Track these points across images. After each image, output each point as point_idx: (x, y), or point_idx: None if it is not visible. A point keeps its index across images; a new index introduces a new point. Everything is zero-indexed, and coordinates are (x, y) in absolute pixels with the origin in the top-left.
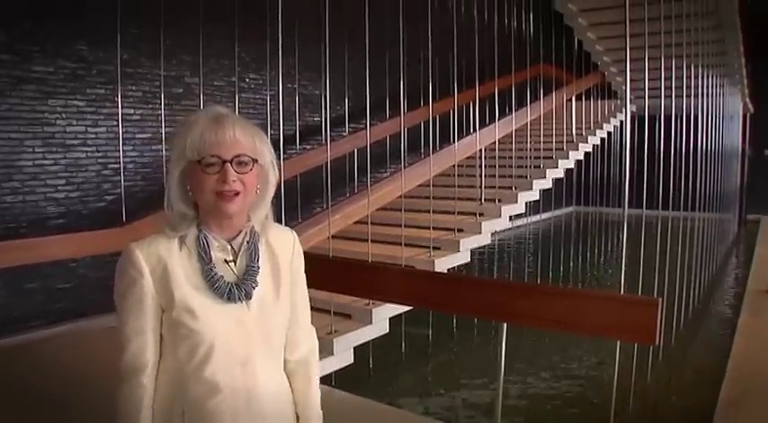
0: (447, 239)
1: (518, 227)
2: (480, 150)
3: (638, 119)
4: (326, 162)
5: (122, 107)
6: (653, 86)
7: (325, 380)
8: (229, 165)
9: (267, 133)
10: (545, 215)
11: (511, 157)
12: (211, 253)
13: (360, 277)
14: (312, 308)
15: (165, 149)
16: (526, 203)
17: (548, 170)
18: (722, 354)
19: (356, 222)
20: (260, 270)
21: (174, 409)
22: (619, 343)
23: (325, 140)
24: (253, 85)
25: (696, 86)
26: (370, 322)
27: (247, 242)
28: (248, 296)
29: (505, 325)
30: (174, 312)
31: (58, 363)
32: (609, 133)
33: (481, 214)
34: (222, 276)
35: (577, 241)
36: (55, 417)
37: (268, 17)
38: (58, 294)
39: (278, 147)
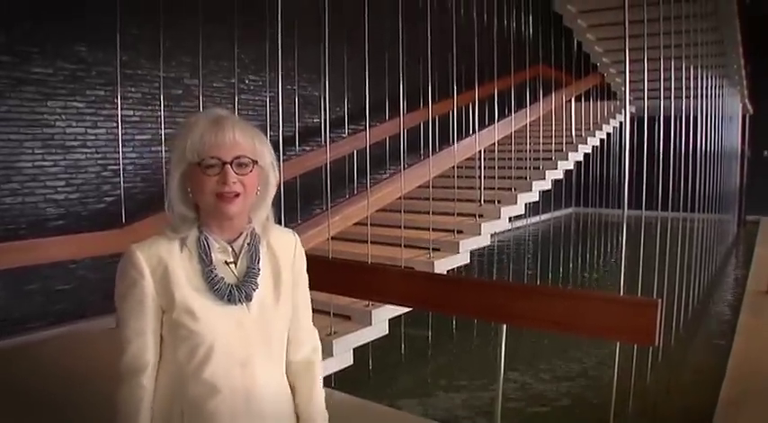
0: (446, 241)
1: (517, 228)
2: (480, 152)
3: (637, 120)
4: (326, 163)
5: (122, 109)
6: (652, 87)
7: (324, 381)
8: (229, 166)
9: (267, 135)
10: (544, 216)
11: (510, 159)
12: (212, 254)
13: (359, 279)
14: (312, 309)
15: (165, 151)
16: (526, 205)
17: (547, 171)
18: (722, 354)
19: (356, 224)
20: (260, 272)
21: (174, 409)
22: (618, 344)
23: (325, 142)
24: (252, 87)
25: (695, 88)
26: (370, 324)
27: (248, 244)
28: (248, 298)
29: (505, 326)
30: (175, 313)
31: (58, 364)
32: (608, 134)
33: (481, 215)
34: (223, 278)
35: (577, 242)
36: (54, 418)
37: (267, 17)
38: (58, 296)
39: (277, 148)
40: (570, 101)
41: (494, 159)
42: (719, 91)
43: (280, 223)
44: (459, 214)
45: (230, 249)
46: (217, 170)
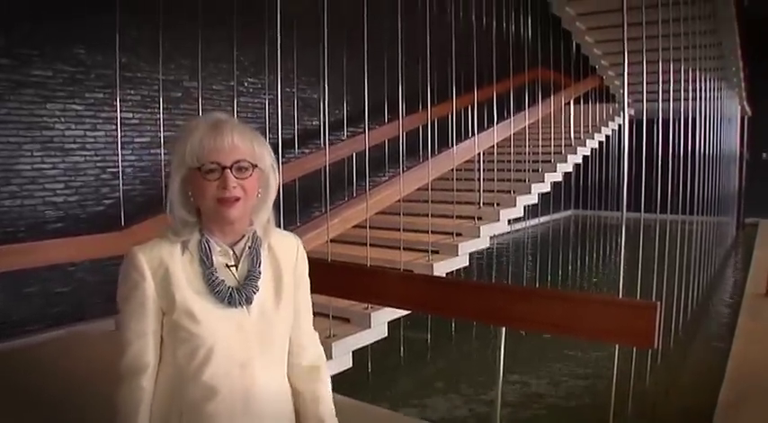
0: (446, 243)
1: (517, 230)
2: (479, 154)
3: (636, 122)
4: (325, 166)
5: (121, 111)
6: (651, 90)
7: None
8: (229, 171)
9: (266, 137)
10: (544, 219)
11: (509, 161)
12: (213, 257)
13: (358, 281)
14: (312, 312)
15: (164, 154)
16: (525, 207)
17: (546, 174)
18: (721, 356)
19: (355, 226)
20: (261, 275)
21: (172, 410)
22: (617, 346)
23: (324, 144)
24: (251, 90)
25: (694, 90)
26: (369, 326)
27: (249, 247)
28: (249, 301)
29: (504, 329)
30: (175, 315)
31: (57, 366)
32: (607, 137)
33: (480, 218)
34: (223, 281)
35: (576, 245)
36: (54, 419)
37: (266, 19)
38: (57, 298)
39: (276, 151)
40: (569, 103)
41: (493, 162)
42: (718, 93)
43: (279, 226)
44: (458, 217)
45: (231, 252)
46: (217, 175)
